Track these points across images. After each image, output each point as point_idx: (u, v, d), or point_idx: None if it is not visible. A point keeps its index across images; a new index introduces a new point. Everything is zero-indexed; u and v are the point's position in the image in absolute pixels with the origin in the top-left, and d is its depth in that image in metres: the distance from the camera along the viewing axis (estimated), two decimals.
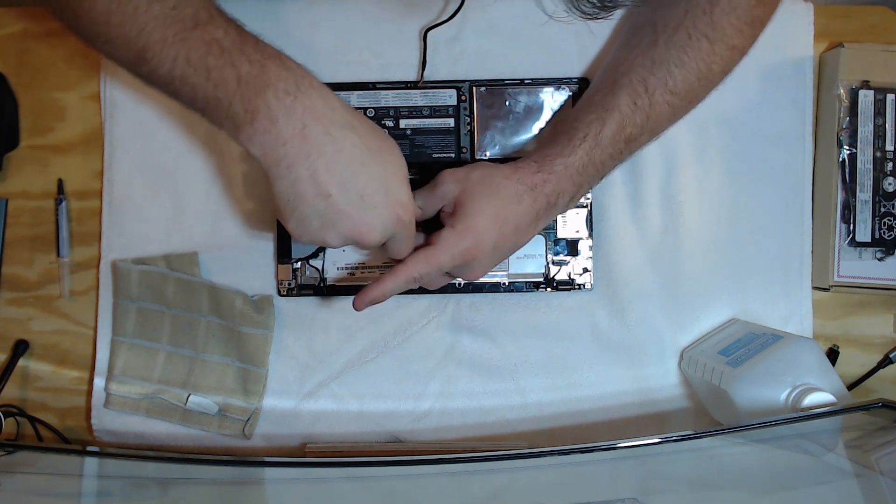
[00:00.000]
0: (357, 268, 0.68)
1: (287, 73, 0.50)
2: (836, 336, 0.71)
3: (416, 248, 0.57)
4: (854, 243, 0.68)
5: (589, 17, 0.49)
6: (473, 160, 0.67)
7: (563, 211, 0.60)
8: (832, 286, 0.68)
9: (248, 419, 0.68)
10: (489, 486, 0.60)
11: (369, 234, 0.53)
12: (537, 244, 0.68)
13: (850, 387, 0.69)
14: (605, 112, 0.58)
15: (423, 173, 0.67)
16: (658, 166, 0.69)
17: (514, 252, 0.60)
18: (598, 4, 0.48)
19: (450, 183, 0.59)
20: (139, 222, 0.69)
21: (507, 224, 0.57)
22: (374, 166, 0.52)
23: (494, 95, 0.68)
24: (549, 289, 0.68)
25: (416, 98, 0.67)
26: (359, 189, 0.51)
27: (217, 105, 0.50)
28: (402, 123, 0.67)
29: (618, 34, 0.68)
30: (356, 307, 0.57)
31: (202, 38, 0.49)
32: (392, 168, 0.53)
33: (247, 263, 0.69)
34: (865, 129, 0.68)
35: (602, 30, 0.68)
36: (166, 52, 0.49)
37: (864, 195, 0.68)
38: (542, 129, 0.68)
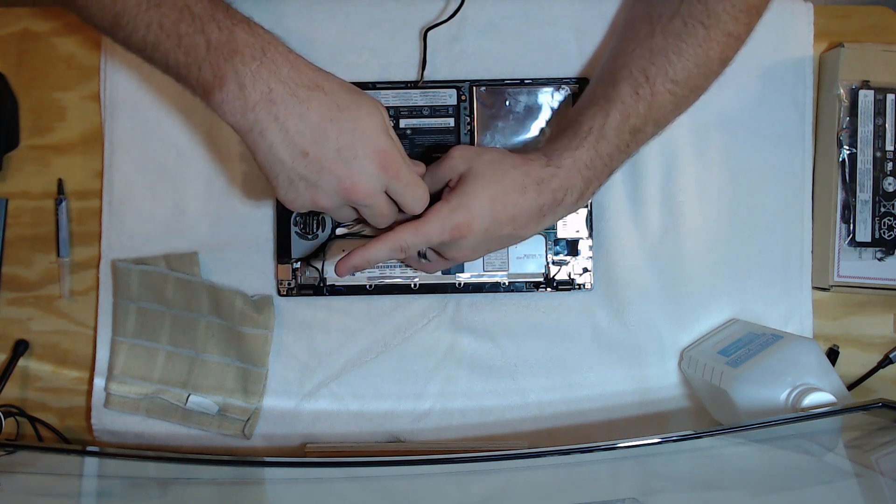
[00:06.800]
0: None
1: (254, 38, 0.50)
2: (836, 336, 0.71)
3: (407, 220, 0.57)
4: (854, 243, 0.68)
5: None
6: None
7: (572, 209, 0.59)
8: (832, 286, 0.68)
9: (248, 419, 0.68)
10: (489, 486, 0.60)
11: (356, 188, 0.52)
12: (537, 244, 0.68)
13: (850, 387, 0.69)
14: (608, 104, 0.58)
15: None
16: (658, 166, 0.69)
17: (511, 244, 0.60)
18: None
19: (458, 158, 0.59)
20: (139, 222, 0.69)
21: (504, 211, 0.56)
22: (345, 120, 0.52)
23: (494, 95, 0.68)
24: (549, 289, 0.68)
25: (416, 98, 0.67)
26: (333, 144, 0.51)
27: (188, 71, 0.51)
28: (402, 123, 0.67)
29: (614, 30, 0.68)
30: (338, 272, 0.57)
31: (175, 4, 0.50)
32: (366, 119, 0.53)
33: (247, 263, 0.69)
34: (865, 129, 0.68)
35: (603, 29, 0.68)
36: (140, 19, 0.50)
37: (864, 195, 0.68)
38: (542, 129, 0.68)
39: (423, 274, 0.67)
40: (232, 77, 0.50)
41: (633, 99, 0.58)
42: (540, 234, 0.67)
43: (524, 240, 0.60)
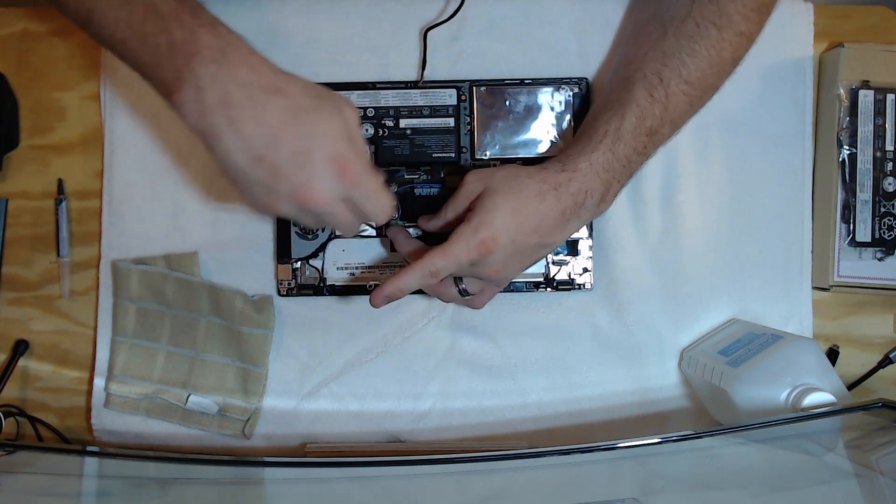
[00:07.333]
0: (357, 268, 0.68)
1: (216, 40, 0.50)
2: (836, 336, 0.71)
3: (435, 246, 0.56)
4: (854, 243, 0.68)
5: None
6: (473, 160, 0.67)
7: (596, 212, 0.59)
8: (832, 286, 0.68)
9: (248, 419, 0.68)
10: (489, 486, 0.60)
11: (311, 195, 0.50)
12: None
13: (850, 387, 0.69)
14: (623, 107, 0.58)
15: (423, 173, 0.67)
16: (658, 166, 0.69)
17: (543, 254, 0.59)
18: None
19: (474, 182, 0.59)
20: (139, 222, 0.69)
21: (526, 221, 0.56)
22: (302, 124, 0.50)
23: (494, 95, 0.68)
24: (549, 289, 0.68)
25: (416, 98, 0.67)
26: (288, 149, 0.50)
27: (151, 71, 0.50)
28: (402, 123, 0.67)
29: (622, 34, 0.68)
30: (373, 304, 0.56)
31: (143, 2, 0.50)
32: (325, 124, 0.51)
33: (247, 263, 0.69)
34: (865, 129, 0.68)
35: (603, 29, 0.68)
36: (110, 15, 0.50)
37: (864, 195, 0.68)
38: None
39: None
40: (190, 79, 0.49)
41: (648, 101, 0.58)
42: None
43: (555, 248, 0.59)
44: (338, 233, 0.67)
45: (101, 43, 0.52)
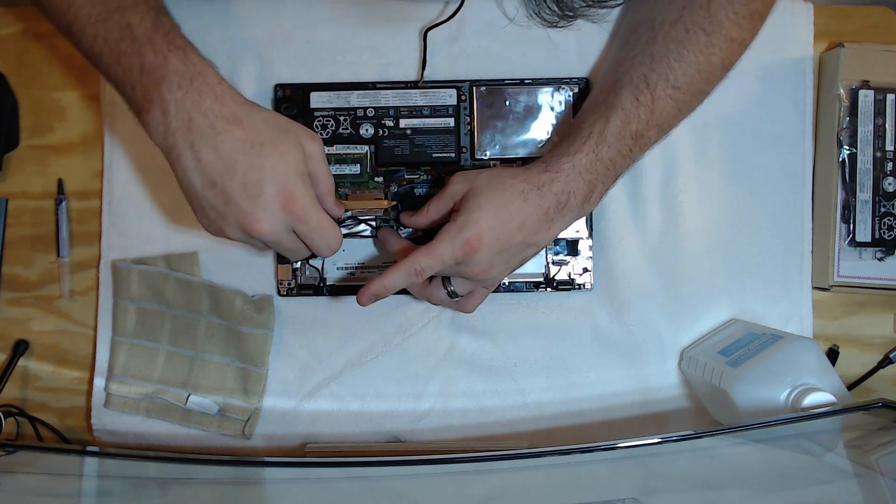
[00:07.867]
0: (357, 268, 0.68)
1: (185, 67, 0.52)
2: (836, 336, 0.71)
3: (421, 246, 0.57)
4: (854, 243, 0.68)
5: (549, 24, 0.51)
6: (473, 160, 0.67)
7: (580, 212, 0.59)
8: (832, 286, 0.68)
9: (248, 419, 0.68)
10: (489, 486, 0.60)
11: (257, 225, 0.53)
12: None
13: (850, 387, 0.69)
14: (608, 110, 0.58)
15: (423, 173, 0.67)
16: (658, 166, 0.69)
17: (529, 253, 0.59)
18: (559, 13, 0.49)
19: (458, 183, 0.60)
20: (139, 222, 0.69)
21: (511, 219, 0.56)
22: (256, 157, 0.52)
23: (494, 95, 0.68)
24: (549, 289, 0.68)
25: (416, 98, 0.67)
26: (240, 178, 0.52)
27: (124, 88, 0.53)
28: (402, 123, 0.67)
29: (615, 35, 0.68)
30: (360, 302, 0.58)
31: (119, 22, 0.52)
32: (278, 158, 0.53)
33: (247, 263, 0.69)
34: (865, 129, 0.68)
35: (603, 29, 0.68)
36: (88, 30, 0.53)
37: (864, 195, 0.68)
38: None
39: None
40: (158, 102, 0.51)
41: (634, 105, 0.58)
42: None
43: (541, 248, 0.60)
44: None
45: (82, 53, 0.54)
